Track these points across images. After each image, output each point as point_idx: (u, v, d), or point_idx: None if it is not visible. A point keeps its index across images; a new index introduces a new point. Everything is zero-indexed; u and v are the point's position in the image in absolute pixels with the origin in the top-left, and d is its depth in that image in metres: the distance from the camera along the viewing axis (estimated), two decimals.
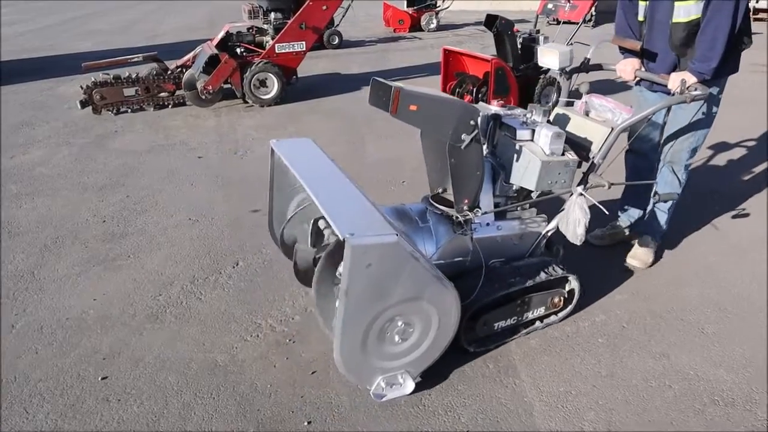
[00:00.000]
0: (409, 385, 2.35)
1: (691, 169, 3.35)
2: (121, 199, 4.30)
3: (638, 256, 3.40)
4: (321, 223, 2.74)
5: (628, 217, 3.58)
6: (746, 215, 4.05)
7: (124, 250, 3.58)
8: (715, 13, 2.66)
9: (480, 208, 2.50)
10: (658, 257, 3.46)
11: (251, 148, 5.40)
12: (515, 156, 2.52)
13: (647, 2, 2.95)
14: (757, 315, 2.94)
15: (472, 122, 2.22)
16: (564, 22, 8.00)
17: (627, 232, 3.59)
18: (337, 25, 10.82)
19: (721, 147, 5.19)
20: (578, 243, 2.58)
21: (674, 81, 2.75)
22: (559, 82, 6.35)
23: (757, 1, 13.55)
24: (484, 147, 2.46)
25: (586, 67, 3.11)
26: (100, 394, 2.41)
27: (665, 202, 3.24)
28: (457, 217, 2.51)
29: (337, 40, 10.70)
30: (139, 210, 4.13)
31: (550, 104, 6.16)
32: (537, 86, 6.25)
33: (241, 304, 3.05)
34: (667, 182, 3.24)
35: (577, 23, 6.67)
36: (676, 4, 2.78)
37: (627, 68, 3.05)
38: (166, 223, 3.94)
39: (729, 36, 2.67)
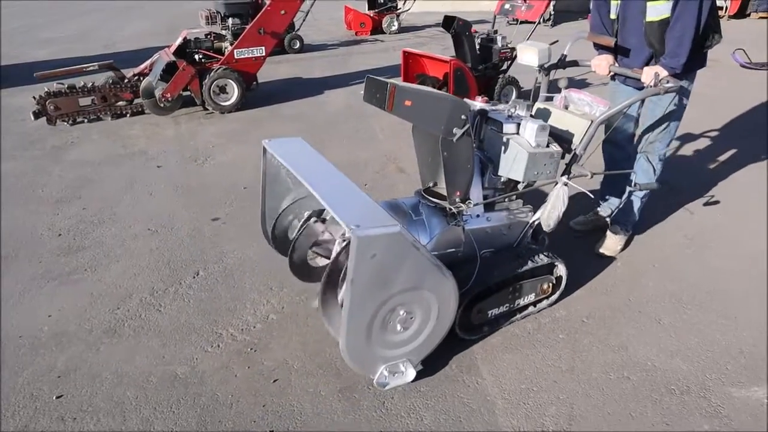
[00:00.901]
0: (411, 373, 2.41)
1: None
2: (77, 211, 4.20)
3: (607, 245, 3.53)
4: (312, 218, 2.78)
5: (609, 205, 3.72)
6: (716, 203, 4.19)
7: (80, 263, 3.49)
8: (682, 12, 2.83)
9: (471, 200, 2.57)
10: (627, 245, 3.59)
11: (212, 156, 5.33)
12: (502, 149, 2.62)
13: (619, 1, 3.08)
14: (711, 304, 3.02)
15: (463, 116, 2.27)
16: (521, 22, 8.10)
17: (609, 220, 3.70)
18: (298, 29, 10.77)
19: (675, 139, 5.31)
20: (547, 230, 2.71)
21: (647, 75, 2.89)
22: (518, 81, 6.46)
23: None
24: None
25: (563, 63, 3.24)
26: (55, 413, 2.34)
27: (642, 190, 3.39)
28: (450, 209, 2.58)
29: (298, 45, 10.64)
30: (96, 222, 4.03)
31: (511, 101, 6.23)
32: (496, 86, 6.31)
33: (202, 314, 3.00)
34: (644, 171, 3.39)
35: (534, 23, 6.76)
36: (648, 3, 2.93)
37: (602, 64, 3.20)
38: (124, 234, 3.86)
39: (695, 33, 2.84)
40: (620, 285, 3.20)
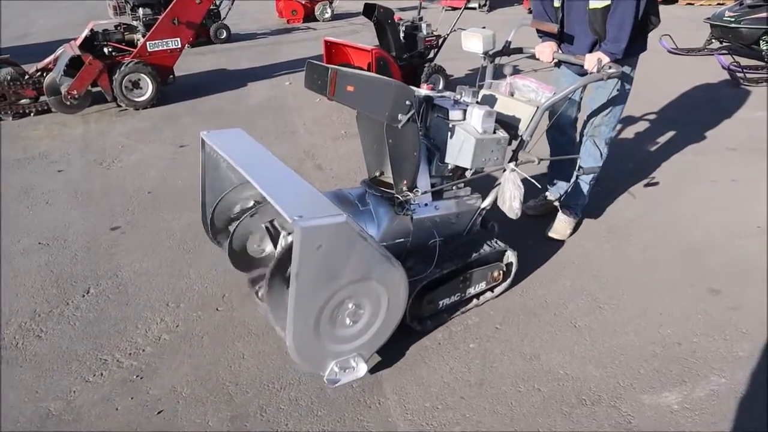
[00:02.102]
0: (362, 368, 2.30)
1: None
2: None
3: (557, 229, 3.56)
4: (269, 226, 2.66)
5: (557, 189, 3.75)
6: (656, 183, 4.23)
7: None
8: (620, 0, 2.87)
9: (419, 189, 2.50)
10: (576, 228, 3.63)
11: (118, 158, 4.97)
12: (449, 135, 2.55)
13: None
14: (627, 303, 2.93)
15: (408, 102, 2.19)
16: (449, 9, 7.97)
17: (558, 204, 3.71)
18: (224, 18, 10.34)
19: None
20: (515, 217, 2.65)
21: (590, 61, 2.90)
22: (444, 70, 6.31)
23: None
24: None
25: (507, 50, 3.21)
26: None
27: (588, 175, 3.40)
28: (397, 198, 2.49)
29: (225, 35, 10.21)
30: None
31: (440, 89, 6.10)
32: (422, 75, 6.15)
33: (87, 338, 2.72)
34: (591, 155, 3.40)
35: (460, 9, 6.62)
36: None
37: (545, 50, 3.19)
38: (11, 250, 3.51)
39: (635, 20, 2.89)
40: (538, 285, 3.08)
